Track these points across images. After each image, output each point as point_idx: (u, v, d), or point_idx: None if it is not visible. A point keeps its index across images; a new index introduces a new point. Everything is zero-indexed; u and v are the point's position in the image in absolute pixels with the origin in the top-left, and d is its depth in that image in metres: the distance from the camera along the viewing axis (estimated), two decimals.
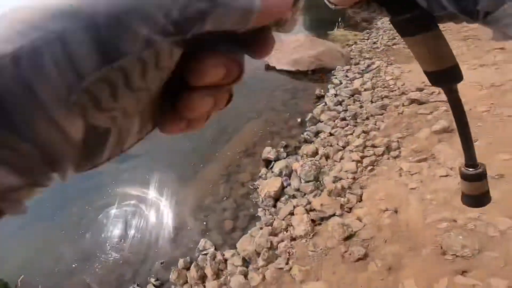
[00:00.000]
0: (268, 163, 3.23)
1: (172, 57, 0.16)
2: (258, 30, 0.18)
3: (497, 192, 1.75)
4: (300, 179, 2.82)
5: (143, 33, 0.13)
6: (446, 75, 0.26)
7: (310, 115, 3.46)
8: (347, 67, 4.62)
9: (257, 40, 0.19)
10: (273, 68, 4.98)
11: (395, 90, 3.29)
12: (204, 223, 3.04)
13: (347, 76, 4.33)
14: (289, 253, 2.24)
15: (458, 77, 0.26)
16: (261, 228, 2.60)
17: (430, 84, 0.33)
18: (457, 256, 1.52)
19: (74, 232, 3.02)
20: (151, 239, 2.89)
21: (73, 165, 0.14)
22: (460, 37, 4.20)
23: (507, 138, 2.06)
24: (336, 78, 4.34)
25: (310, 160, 2.89)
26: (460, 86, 0.30)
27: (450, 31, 4.61)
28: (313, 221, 2.44)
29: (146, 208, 3.18)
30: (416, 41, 0.26)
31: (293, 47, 5.05)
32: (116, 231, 2.97)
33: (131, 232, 2.97)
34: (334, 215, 2.37)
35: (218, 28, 0.16)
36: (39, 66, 0.12)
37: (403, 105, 2.92)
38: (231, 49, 0.19)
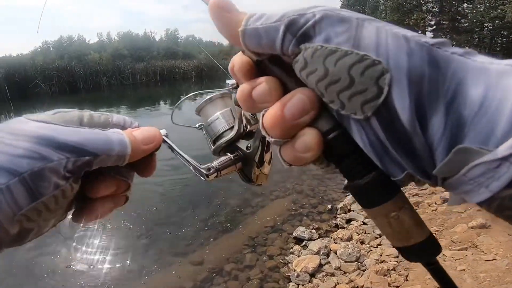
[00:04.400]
0: (299, 241, 3.21)
1: (73, 189, 0.24)
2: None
3: None
4: (339, 259, 2.80)
5: (53, 180, 0.22)
6: (417, 251, 0.21)
7: (341, 203, 3.66)
8: None
9: (141, 164, 0.28)
10: None
11: (425, 189, 3.41)
12: None
13: None
14: None
15: (433, 251, 0.21)
16: None
17: None
18: None
19: None
20: None
21: (8, 245, 0.23)
22: None
23: None
24: None
25: (351, 244, 2.93)
26: None
27: None
28: None
29: None
30: (375, 213, 0.21)
31: None
32: None
33: None
34: None
35: (103, 165, 0.25)
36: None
37: (436, 203, 3.14)
38: (120, 172, 0.28)
